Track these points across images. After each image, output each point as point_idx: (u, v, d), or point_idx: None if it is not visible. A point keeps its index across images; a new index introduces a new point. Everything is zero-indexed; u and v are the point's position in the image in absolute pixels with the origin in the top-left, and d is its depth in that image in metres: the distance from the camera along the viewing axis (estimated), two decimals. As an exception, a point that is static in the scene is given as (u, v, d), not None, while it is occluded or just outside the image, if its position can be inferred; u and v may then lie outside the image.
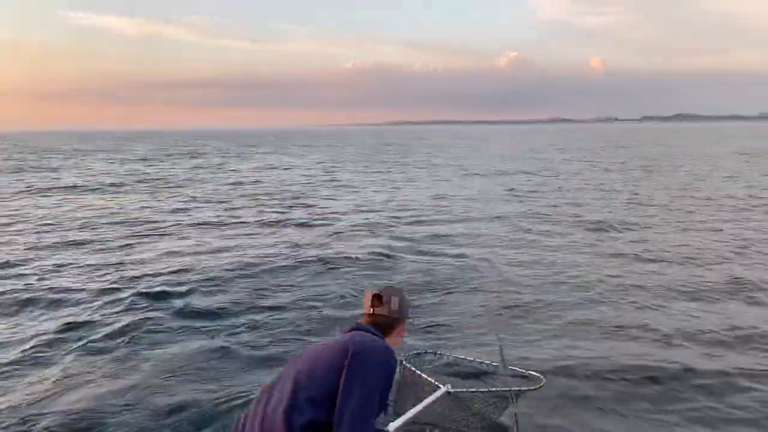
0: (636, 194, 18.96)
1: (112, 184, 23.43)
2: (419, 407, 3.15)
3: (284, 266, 9.40)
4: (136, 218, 14.89)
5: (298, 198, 18.74)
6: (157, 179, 25.92)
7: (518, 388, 3.57)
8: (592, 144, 65.45)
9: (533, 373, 3.86)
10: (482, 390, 3.54)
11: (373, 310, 2.71)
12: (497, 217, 14.26)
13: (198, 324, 6.72)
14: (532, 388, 3.56)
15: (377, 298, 2.73)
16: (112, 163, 39.05)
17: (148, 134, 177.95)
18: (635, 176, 25.35)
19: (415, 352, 4.13)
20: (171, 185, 23.39)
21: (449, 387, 3.43)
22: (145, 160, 42.45)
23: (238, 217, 14.88)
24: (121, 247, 11.33)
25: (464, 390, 3.52)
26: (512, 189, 20.86)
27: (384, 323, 2.72)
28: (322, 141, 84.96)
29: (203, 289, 8.11)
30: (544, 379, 3.68)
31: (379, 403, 2.37)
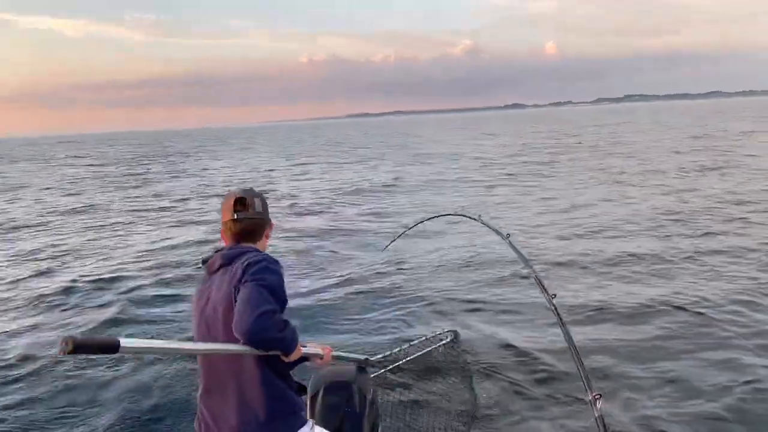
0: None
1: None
2: None
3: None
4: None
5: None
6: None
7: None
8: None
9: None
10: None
11: (237, 215, 2.47)
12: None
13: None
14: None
15: (240, 202, 2.49)
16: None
17: (103, 137, 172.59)
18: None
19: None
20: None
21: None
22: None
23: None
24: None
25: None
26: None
27: (251, 227, 2.52)
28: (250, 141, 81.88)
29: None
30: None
31: (275, 298, 2.23)
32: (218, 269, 2.42)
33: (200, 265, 2.57)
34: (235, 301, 2.22)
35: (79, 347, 1.59)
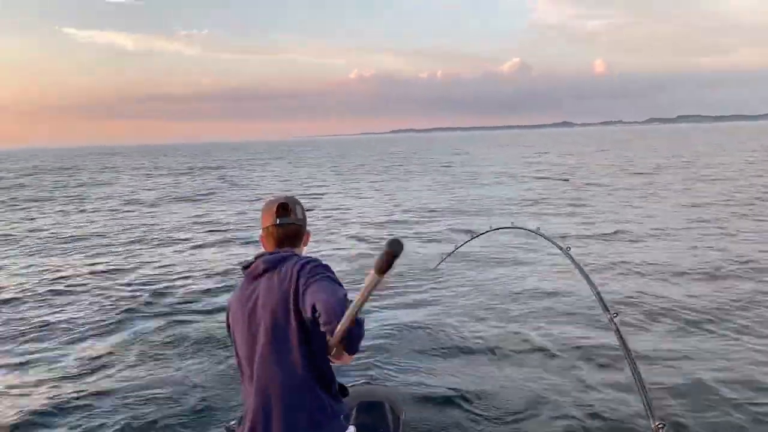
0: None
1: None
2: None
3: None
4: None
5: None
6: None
7: None
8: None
9: None
10: None
11: (279, 220, 2.55)
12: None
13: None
14: None
15: (283, 207, 2.57)
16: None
17: (163, 149, 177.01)
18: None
19: None
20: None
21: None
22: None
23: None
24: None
25: None
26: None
27: (293, 232, 2.59)
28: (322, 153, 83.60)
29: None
30: None
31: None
32: (263, 274, 2.45)
33: (239, 271, 2.59)
34: (295, 302, 2.29)
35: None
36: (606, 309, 2.76)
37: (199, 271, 9.82)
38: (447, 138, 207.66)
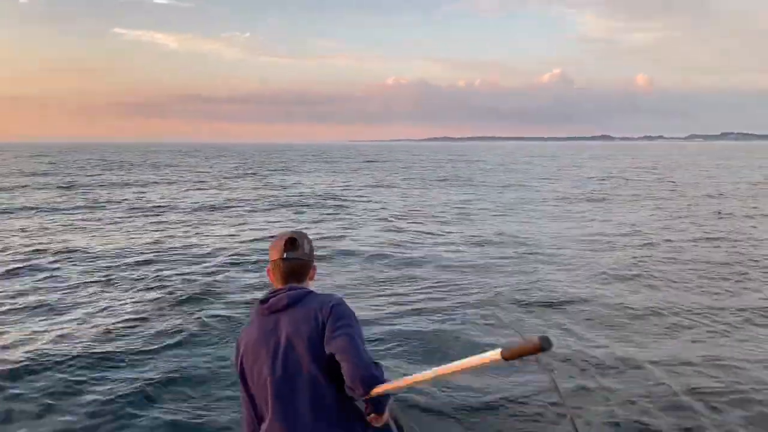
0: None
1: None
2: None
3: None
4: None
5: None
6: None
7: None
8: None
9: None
10: None
11: (287, 254, 2.61)
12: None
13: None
14: None
15: (291, 242, 2.63)
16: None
17: (200, 147, 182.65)
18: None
19: None
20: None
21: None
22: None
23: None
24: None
25: None
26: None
27: (301, 267, 2.65)
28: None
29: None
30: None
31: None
32: (284, 309, 2.51)
33: (254, 305, 2.65)
34: (323, 338, 2.40)
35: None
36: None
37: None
38: (483, 147, 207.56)
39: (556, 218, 18.47)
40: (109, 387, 5.55)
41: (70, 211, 19.93)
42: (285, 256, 2.61)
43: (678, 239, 13.81)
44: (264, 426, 2.47)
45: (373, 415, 2.47)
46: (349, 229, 16.29)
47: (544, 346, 1.64)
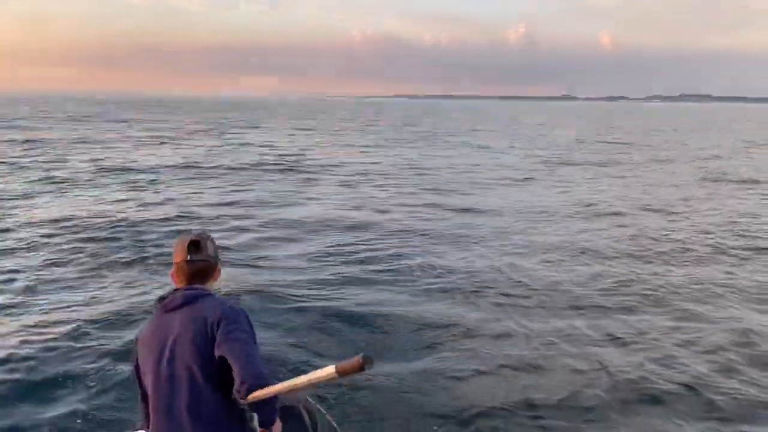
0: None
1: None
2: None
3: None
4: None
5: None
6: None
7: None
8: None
9: None
10: None
11: (190, 257, 2.62)
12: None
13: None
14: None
15: (194, 244, 2.64)
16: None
17: (155, 100, 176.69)
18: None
19: None
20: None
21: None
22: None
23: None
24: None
25: None
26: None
27: (204, 269, 2.67)
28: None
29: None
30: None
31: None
32: (179, 308, 2.55)
33: (154, 303, 2.70)
34: (212, 345, 2.41)
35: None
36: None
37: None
38: (455, 107, 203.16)
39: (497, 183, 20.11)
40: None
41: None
42: (189, 258, 2.62)
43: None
44: (151, 422, 2.51)
45: (261, 430, 2.52)
46: (299, 193, 17.11)
47: (367, 366, 1.85)
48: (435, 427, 4.99)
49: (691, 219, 13.95)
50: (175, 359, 2.44)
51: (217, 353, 2.41)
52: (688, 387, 5.80)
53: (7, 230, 11.12)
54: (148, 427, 2.54)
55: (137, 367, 2.60)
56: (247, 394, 2.31)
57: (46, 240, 10.51)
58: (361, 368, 1.86)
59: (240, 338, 2.40)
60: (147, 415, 2.55)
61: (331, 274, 9.01)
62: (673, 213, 14.68)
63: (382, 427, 5.02)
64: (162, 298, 2.63)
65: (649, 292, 8.48)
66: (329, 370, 1.97)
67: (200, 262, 2.65)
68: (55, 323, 6.73)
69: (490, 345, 6.66)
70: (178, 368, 2.43)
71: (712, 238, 11.81)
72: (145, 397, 2.58)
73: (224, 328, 2.42)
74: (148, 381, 2.51)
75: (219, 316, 2.46)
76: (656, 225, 13.28)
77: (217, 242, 2.73)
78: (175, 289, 2.64)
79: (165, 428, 2.41)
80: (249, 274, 8.66)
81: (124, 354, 5.77)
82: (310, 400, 3.29)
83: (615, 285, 8.83)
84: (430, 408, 5.27)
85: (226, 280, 7.71)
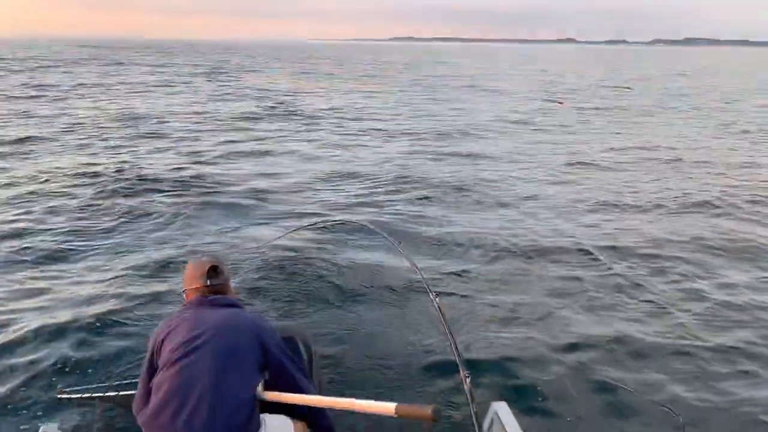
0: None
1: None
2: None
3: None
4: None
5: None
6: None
7: None
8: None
9: None
10: None
11: (210, 282, 2.72)
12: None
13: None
14: None
15: (213, 269, 2.75)
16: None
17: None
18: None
19: None
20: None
21: None
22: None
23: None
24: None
25: None
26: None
27: (224, 291, 2.78)
28: None
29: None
30: None
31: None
32: (221, 306, 2.67)
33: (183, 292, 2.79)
34: (260, 343, 2.52)
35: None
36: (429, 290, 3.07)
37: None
38: (454, 50, 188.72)
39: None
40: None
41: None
42: (209, 283, 2.71)
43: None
44: (150, 407, 2.41)
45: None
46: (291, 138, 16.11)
47: (436, 418, 1.81)
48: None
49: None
50: (220, 349, 2.45)
51: (265, 359, 2.53)
52: None
53: (34, 177, 10.82)
54: (144, 406, 2.48)
55: (159, 348, 2.55)
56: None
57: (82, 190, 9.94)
58: (431, 419, 1.84)
59: (288, 356, 2.62)
60: (147, 394, 2.50)
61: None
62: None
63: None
64: (203, 295, 2.72)
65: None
66: (389, 407, 1.98)
67: (220, 285, 2.77)
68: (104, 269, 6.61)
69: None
70: (222, 359, 2.44)
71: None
72: (147, 378, 2.55)
73: (270, 341, 2.58)
74: (171, 368, 2.43)
75: (261, 327, 2.61)
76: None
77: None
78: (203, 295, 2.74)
79: (183, 414, 2.32)
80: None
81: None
82: (307, 333, 3.36)
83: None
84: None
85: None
